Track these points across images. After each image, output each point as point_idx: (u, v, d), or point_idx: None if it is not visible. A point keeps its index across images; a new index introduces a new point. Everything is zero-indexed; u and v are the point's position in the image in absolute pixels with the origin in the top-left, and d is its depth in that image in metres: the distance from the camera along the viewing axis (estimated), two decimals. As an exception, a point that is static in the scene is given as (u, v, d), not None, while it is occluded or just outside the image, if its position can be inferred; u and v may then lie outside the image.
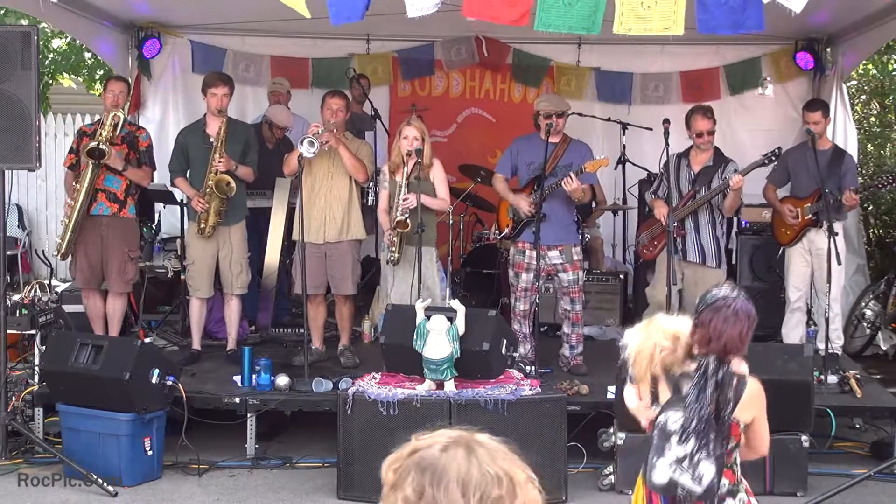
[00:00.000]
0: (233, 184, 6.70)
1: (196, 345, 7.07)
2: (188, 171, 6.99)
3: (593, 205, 8.22)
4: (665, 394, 3.36)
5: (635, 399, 3.53)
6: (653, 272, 7.20)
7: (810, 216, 6.81)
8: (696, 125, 6.72)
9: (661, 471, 3.27)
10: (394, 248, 6.55)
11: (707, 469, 3.22)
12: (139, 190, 6.98)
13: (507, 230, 6.89)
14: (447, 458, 1.66)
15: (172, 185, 7.27)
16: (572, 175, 6.40)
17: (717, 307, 3.32)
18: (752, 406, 3.32)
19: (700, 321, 3.34)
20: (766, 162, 6.60)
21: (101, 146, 6.50)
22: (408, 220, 6.40)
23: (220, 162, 6.71)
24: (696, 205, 6.65)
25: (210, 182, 6.72)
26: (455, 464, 1.65)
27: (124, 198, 6.80)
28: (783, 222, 7.03)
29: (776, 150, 6.62)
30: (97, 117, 7.02)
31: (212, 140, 6.80)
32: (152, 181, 7.29)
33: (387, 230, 6.65)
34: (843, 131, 8.41)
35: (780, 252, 7.23)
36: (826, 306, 6.67)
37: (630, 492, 3.65)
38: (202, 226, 6.82)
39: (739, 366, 3.37)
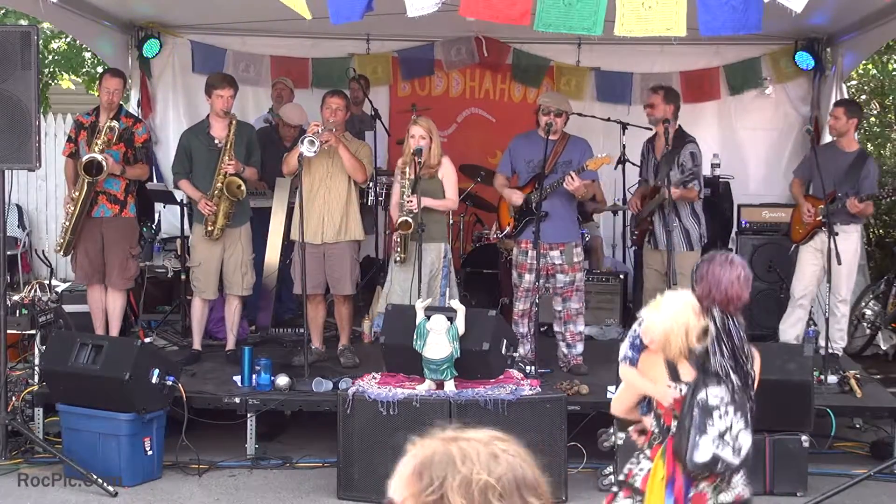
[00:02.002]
0: (243, 186, 6.71)
1: (197, 345, 7.08)
2: (191, 174, 6.99)
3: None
4: (688, 372, 3.37)
5: (646, 381, 3.51)
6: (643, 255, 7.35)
7: (822, 217, 6.75)
8: (648, 98, 6.96)
9: (705, 448, 3.29)
10: (399, 249, 6.55)
11: (745, 439, 3.31)
12: (137, 186, 6.98)
13: (508, 228, 6.89)
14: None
15: (176, 187, 7.27)
16: (573, 174, 6.41)
17: (711, 258, 3.53)
18: (758, 374, 3.50)
19: (699, 276, 3.49)
20: (686, 180, 6.67)
21: (100, 161, 6.47)
22: (410, 222, 6.40)
23: (229, 164, 6.71)
24: (655, 204, 6.76)
25: (219, 184, 6.72)
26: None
27: (124, 197, 6.81)
28: (799, 220, 7.04)
29: (695, 169, 6.70)
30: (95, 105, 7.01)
31: (217, 142, 6.80)
32: (151, 177, 7.28)
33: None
34: (843, 131, 8.40)
35: (792, 249, 7.22)
36: (827, 306, 6.66)
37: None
38: (210, 228, 6.81)
39: None
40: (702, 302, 3.41)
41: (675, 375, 3.41)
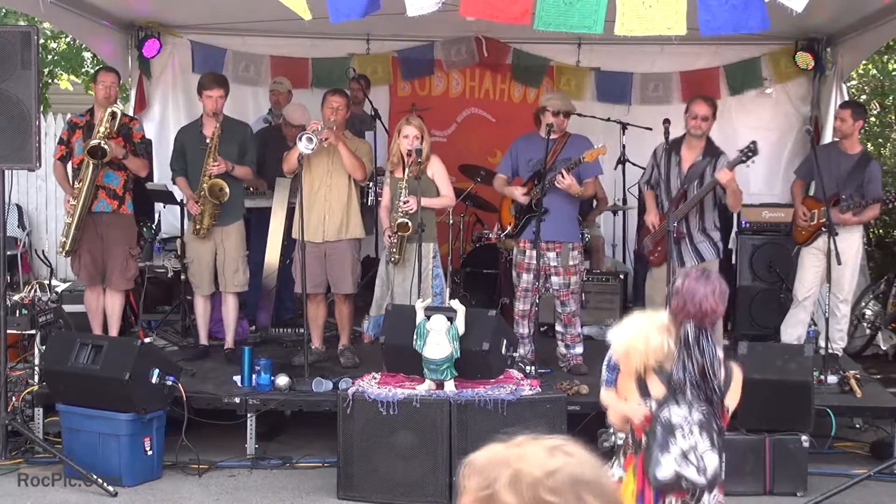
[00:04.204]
0: (226, 189, 6.71)
1: (203, 340, 7.13)
2: (187, 171, 7.00)
3: (594, 203, 8.20)
4: (657, 388, 3.37)
5: (619, 401, 3.52)
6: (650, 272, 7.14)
7: (824, 220, 6.65)
8: (693, 108, 6.56)
9: (667, 466, 3.27)
10: (395, 249, 6.55)
11: (711, 460, 3.26)
12: (135, 183, 6.97)
13: (509, 228, 6.88)
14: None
15: (174, 183, 7.30)
16: (564, 171, 6.39)
17: (687, 273, 3.52)
18: (737, 392, 3.43)
19: (675, 290, 3.47)
20: (745, 158, 6.29)
21: (103, 146, 6.49)
22: (409, 224, 6.39)
23: (213, 166, 6.72)
24: (688, 207, 6.47)
25: (204, 186, 6.74)
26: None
27: (123, 194, 6.81)
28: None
29: (751, 145, 6.28)
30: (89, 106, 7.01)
31: (208, 141, 6.81)
32: (151, 176, 7.29)
33: (386, 229, 6.65)
34: (843, 131, 8.40)
35: (795, 250, 7.20)
36: (828, 307, 6.65)
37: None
38: (197, 227, 6.88)
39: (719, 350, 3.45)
40: (676, 316, 3.39)
41: (644, 392, 3.40)
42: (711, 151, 6.58)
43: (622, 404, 3.50)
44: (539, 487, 1.56)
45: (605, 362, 3.65)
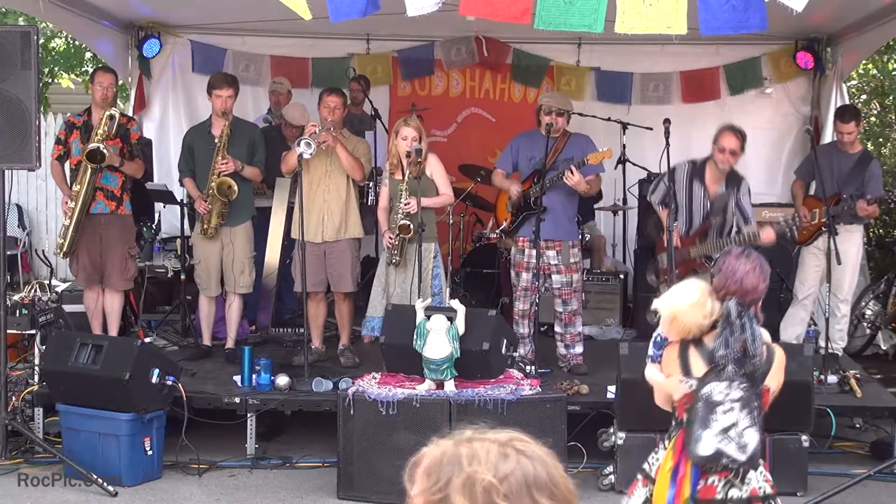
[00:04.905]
0: (234, 187, 6.71)
1: (206, 341, 7.13)
2: (195, 171, 7.00)
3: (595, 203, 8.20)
4: (698, 366, 3.41)
5: (662, 376, 3.56)
6: (655, 275, 7.10)
7: (825, 219, 6.61)
8: (721, 141, 6.22)
9: (707, 442, 3.33)
10: (395, 251, 6.53)
11: (751, 437, 3.33)
12: (132, 183, 6.98)
13: (505, 224, 6.86)
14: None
15: (180, 184, 7.30)
16: (573, 168, 6.39)
17: (728, 251, 3.58)
18: (779, 373, 3.49)
19: (717, 268, 3.54)
20: (788, 232, 6.24)
21: (102, 149, 6.48)
22: (410, 225, 6.38)
23: (223, 164, 6.72)
24: (714, 249, 6.24)
25: (212, 184, 6.74)
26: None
27: (121, 194, 6.81)
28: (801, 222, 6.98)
29: (791, 221, 6.24)
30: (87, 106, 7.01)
31: (217, 141, 6.81)
32: (151, 176, 7.27)
33: (385, 230, 6.64)
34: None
35: (795, 250, 7.18)
36: (828, 306, 6.65)
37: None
38: (205, 227, 6.87)
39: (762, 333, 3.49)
40: (718, 293, 3.45)
41: (686, 370, 3.45)
42: (733, 180, 6.36)
43: (665, 380, 3.54)
44: (493, 493, 1.58)
45: (652, 339, 3.67)
